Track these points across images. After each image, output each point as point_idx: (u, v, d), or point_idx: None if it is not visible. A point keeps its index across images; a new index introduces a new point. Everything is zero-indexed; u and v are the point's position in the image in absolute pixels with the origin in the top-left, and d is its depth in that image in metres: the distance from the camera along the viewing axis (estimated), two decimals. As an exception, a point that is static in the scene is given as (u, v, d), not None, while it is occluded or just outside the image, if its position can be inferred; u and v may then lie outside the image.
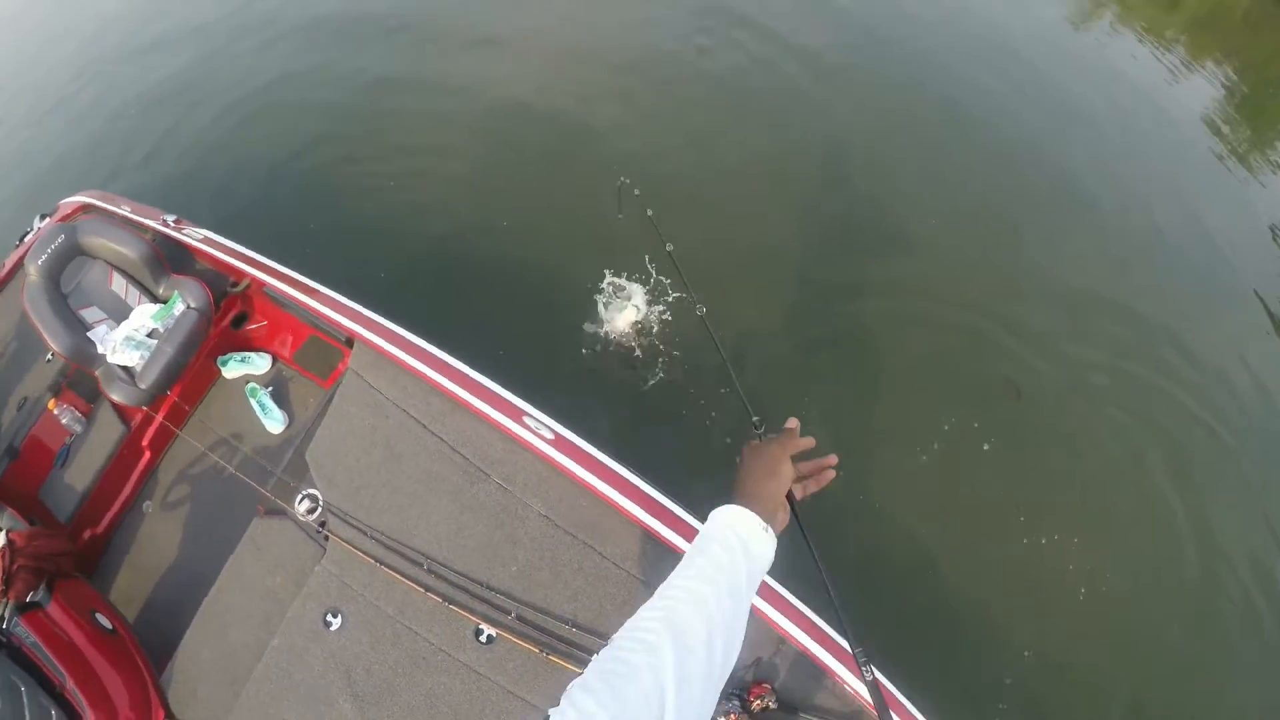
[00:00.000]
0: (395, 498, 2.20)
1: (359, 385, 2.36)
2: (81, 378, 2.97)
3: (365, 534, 2.17)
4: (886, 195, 4.23)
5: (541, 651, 1.90)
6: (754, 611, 1.81)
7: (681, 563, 0.88)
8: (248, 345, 3.05)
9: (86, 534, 2.84)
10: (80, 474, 2.85)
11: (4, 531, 2.59)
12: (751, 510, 0.94)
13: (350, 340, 2.52)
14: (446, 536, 2.12)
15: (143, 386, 2.69)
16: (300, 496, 2.37)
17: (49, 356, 3.08)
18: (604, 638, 1.90)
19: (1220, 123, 5.57)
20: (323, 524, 2.27)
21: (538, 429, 2.18)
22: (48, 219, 3.67)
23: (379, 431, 2.28)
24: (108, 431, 2.89)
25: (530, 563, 2.05)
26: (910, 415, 3.42)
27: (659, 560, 1.98)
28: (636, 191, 2.08)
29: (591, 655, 1.86)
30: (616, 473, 2.10)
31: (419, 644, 2.04)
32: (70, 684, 2.16)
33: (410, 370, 2.30)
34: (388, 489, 2.22)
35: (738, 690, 1.80)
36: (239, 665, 2.22)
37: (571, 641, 1.95)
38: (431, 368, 2.29)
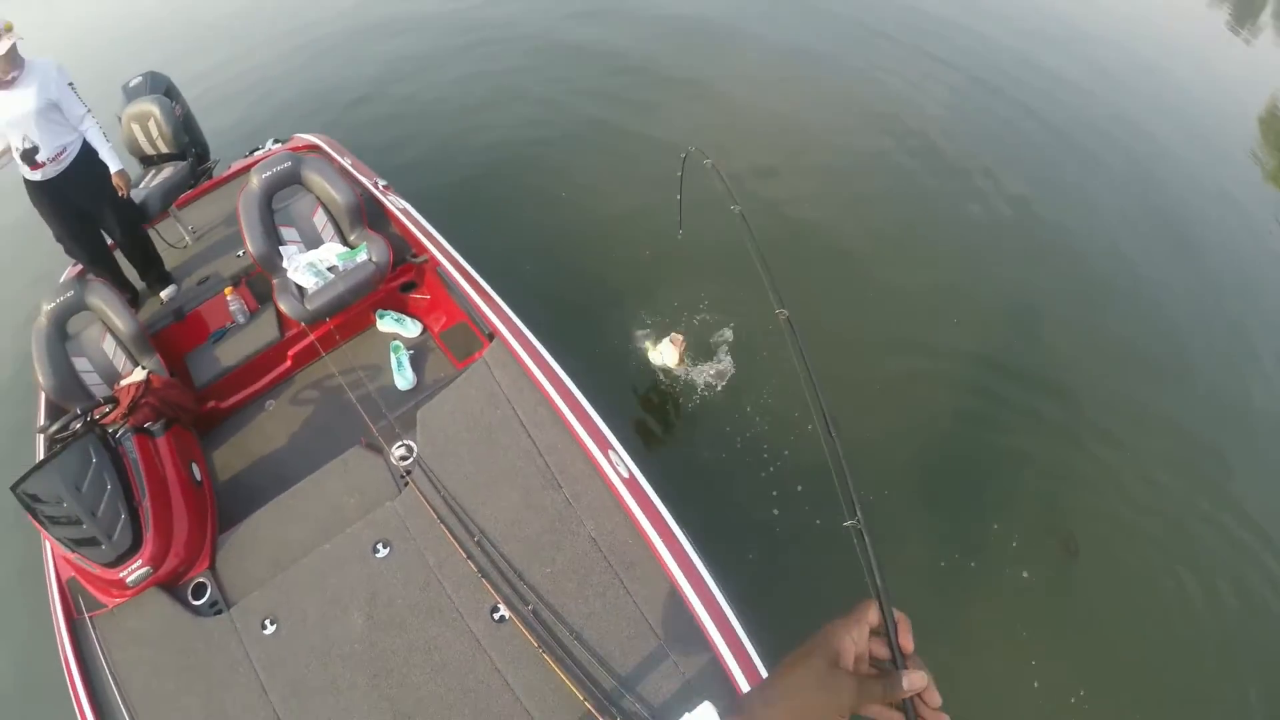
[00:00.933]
0: (476, 474, 2.48)
1: (485, 375, 2.70)
2: (260, 280, 3.48)
3: (439, 492, 2.45)
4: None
5: (539, 647, 2.08)
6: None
7: None
8: (405, 309, 3.47)
9: (211, 404, 3.27)
10: (226, 355, 3.31)
11: (146, 370, 3.07)
12: None
13: (492, 335, 2.88)
14: (503, 521, 2.38)
15: (308, 307, 3.13)
16: (399, 444, 2.68)
17: (240, 253, 3.63)
18: (599, 661, 2.08)
19: None
20: (408, 472, 2.57)
21: (617, 464, 2.43)
22: (279, 144, 4.34)
23: (485, 417, 2.60)
24: (263, 331, 3.36)
25: (564, 571, 2.26)
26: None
27: (674, 618, 2.15)
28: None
29: (580, 672, 2.05)
30: (670, 529, 2.31)
31: (441, 598, 2.27)
32: (146, 504, 2.48)
33: (531, 378, 2.63)
34: (472, 464, 2.51)
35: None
36: (286, 553, 2.49)
37: (569, 651, 2.11)
38: (549, 381, 2.61)
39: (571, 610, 2.20)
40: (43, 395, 3.16)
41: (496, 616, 2.21)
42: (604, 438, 2.51)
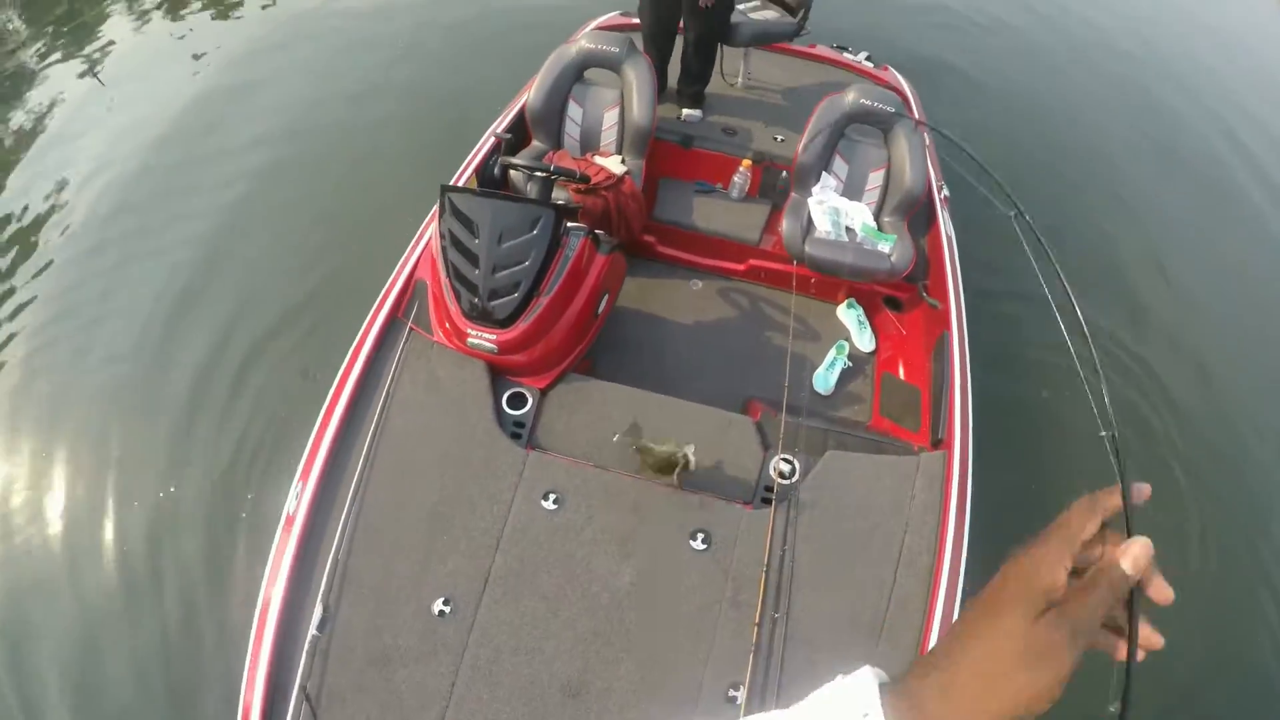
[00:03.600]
0: (824, 555, 2.16)
1: (906, 475, 2.27)
2: (775, 175, 3.28)
3: (784, 542, 2.15)
4: None
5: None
6: None
7: None
8: (873, 318, 3.17)
9: (651, 238, 3.20)
10: (699, 213, 3.22)
11: (626, 168, 2.98)
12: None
13: (941, 441, 2.42)
14: (805, 622, 2.09)
15: (806, 248, 2.91)
16: (784, 456, 2.30)
17: (780, 138, 3.41)
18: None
19: None
20: (771, 490, 2.24)
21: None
22: (869, 63, 4.00)
23: (875, 515, 2.23)
24: (743, 220, 3.19)
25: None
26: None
27: None
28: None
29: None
30: None
31: (706, 630, 2.05)
32: (543, 300, 2.30)
33: (943, 518, 2.22)
34: (830, 543, 2.18)
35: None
36: (613, 454, 2.26)
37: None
38: (954, 529, 2.20)
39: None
40: (516, 107, 3.19)
41: (731, 695, 1.96)
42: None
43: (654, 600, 2.05)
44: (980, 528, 2.23)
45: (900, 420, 2.72)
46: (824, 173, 3.06)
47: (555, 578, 2.05)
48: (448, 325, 2.35)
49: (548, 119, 3.07)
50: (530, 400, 2.33)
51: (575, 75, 3.09)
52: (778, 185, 3.23)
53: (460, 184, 2.78)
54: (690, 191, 3.28)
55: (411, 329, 2.36)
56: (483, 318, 2.27)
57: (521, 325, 2.28)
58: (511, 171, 2.80)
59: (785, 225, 2.96)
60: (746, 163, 3.24)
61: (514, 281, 2.27)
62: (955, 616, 1.92)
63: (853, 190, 3.08)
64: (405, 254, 2.60)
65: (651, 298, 3.14)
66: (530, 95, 3.04)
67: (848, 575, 2.13)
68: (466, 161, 2.96)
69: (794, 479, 2.25)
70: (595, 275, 2.52)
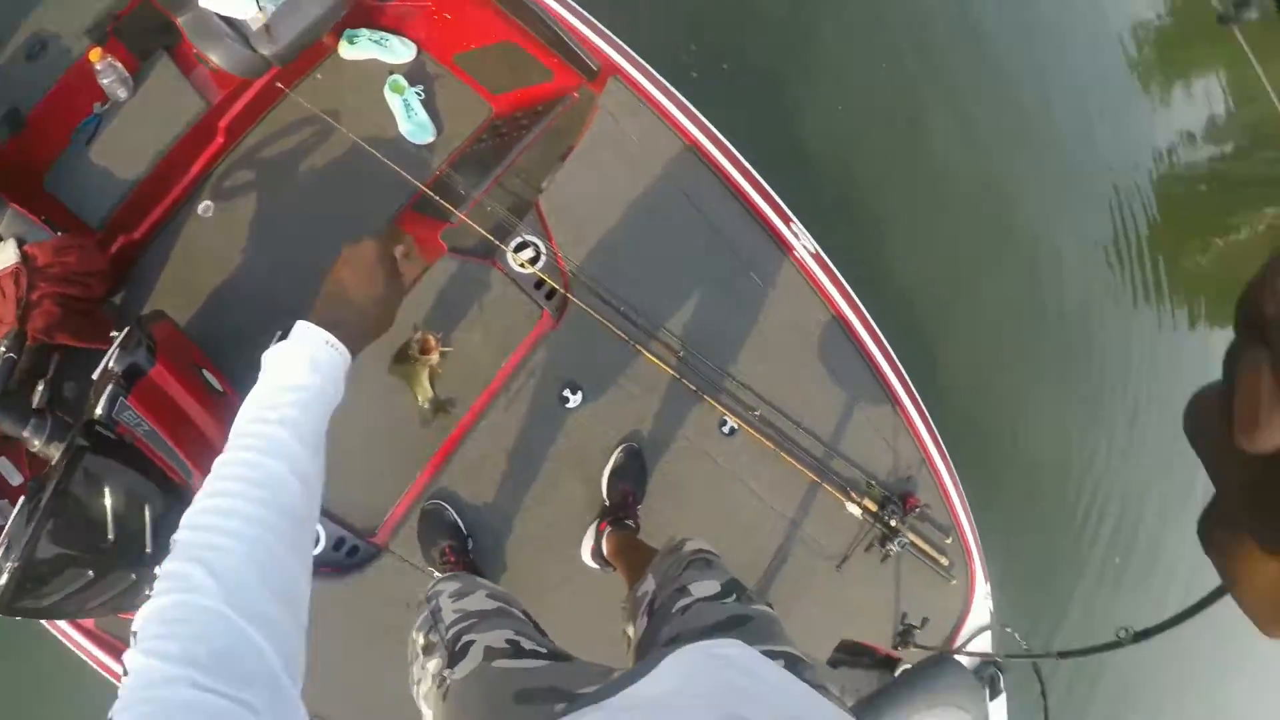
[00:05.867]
0: (645, 271, 1.96)
1: (610, 129, 1.99)
2: (136, 22, 2.17)
3: (606, 302, 1.91)
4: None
5: (776, 449, 1.93)
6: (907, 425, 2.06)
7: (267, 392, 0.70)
8: (384, 24, 2.37)
9: (120, 241, 2.13)
10: (118, 160, 2.11)
11: (14, 243, 1.84)
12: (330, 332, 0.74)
13: (598, 69, 2.06)
14: (699, 324, 1.98)
15: (264, 50, 2.01)
16: (513, 240, 1.95)
17: None
18: (829, 446, 2.02)
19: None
20: (540, 283, 1.97)
21: (803, 238, 2.08)
22: None
23: (629, 189, 1.98)
24: (169, 102, 2.14)
25: (776, 366, 2.03)
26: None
27: (877, 400, 2.09)
28: None
29: (814, 460, 1.98)
30: (863, 311, 2.12)
31: (665, 430, 1.96)
32: (196, 481, 1.50)
33: (680, 131, 2.01)
34: (635, 258, 1.97)
35: (896, 497, 1.99)
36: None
37: (798, 443, 1.99)
38: (704, 135, 2.02)
39: (793, 403, 2.00)
40: None
41: (726, 430, 1.95)
42: (780, 208, 2.09)
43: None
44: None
45: (519, 83, 2.26)
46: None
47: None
48: None
49: None
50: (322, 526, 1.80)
51: None
52: None
53: None
54: (84, 151, 2.08)
55: None
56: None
57: None
58: None
59: (217, 57, 1.99)
60: (94, 52, 2.01)
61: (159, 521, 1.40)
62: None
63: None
64: None
65: (198, 274, 2.17)
66: None
67: (674, 255, 2.01)
68: None
69: (543, 254, 1.94)
70: (179, 388, 1.65)
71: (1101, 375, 3.29)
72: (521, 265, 1.93)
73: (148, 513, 1.36)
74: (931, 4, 3.41)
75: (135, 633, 0.52)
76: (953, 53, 3.34)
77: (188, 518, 0.59)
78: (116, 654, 1.67)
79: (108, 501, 1.27)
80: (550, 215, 1.95)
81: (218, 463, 0.63)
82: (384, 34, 2.35)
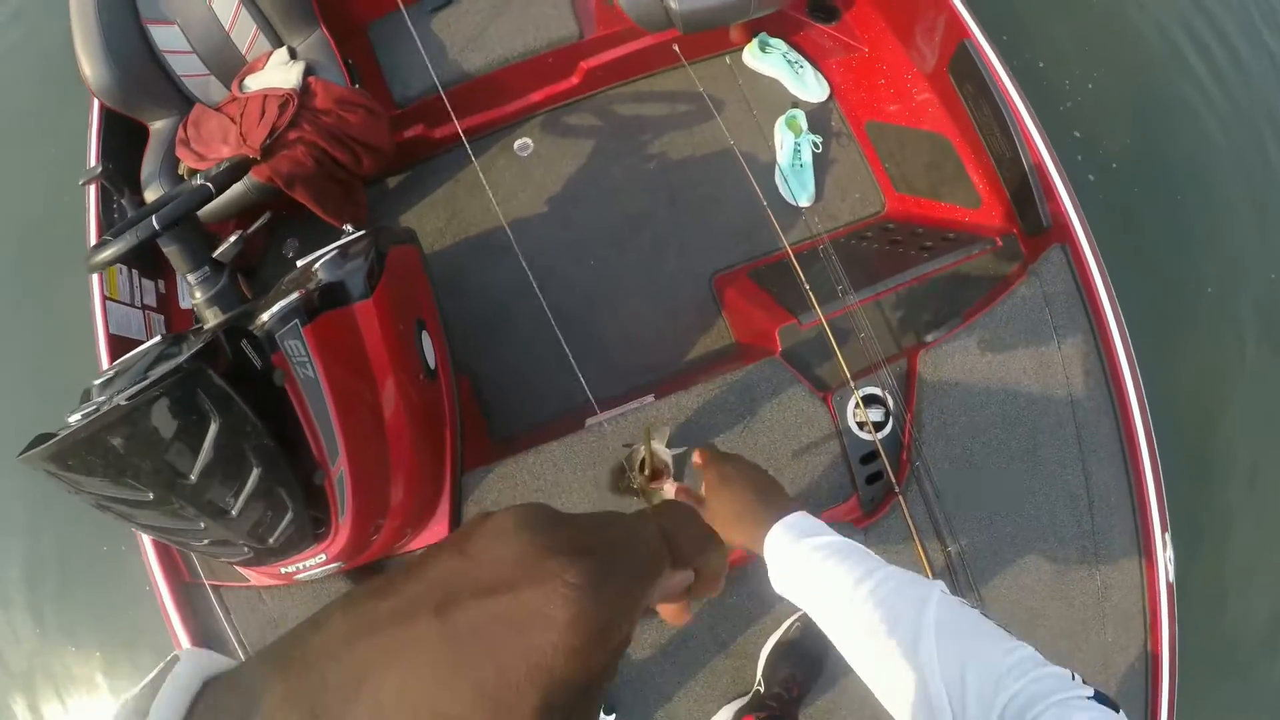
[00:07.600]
0: (994, 508, 1.42)
1: (1036, 311, 1.44)
2: None
3: (938, 536, 1.38)
4: None
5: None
6: None
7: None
8: (803, 50, 1.98)
9: (415, 130, 1.91)
10: (460, 45, 1.86)
11: (301, 68, 1.63)
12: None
13: (1044, 229, 1.53)
14: (1000, 583, 1.41)
15: (676, 5, 1.67)
16: (870, 392, 1.45)
17: None
18: None
19: None
20: (872, 457, 1.43)
21: (1167, 559, 1.44)
22: None
23: (1023, 398, 1.44)
24: (544, 9, 1.88)
25: None
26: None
27: None
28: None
29: None
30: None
31: None
32: (341, 466, 1.14)
33: (1103, 335, 1.45)
34: (994, 489, 1.42)
35: None
36: None
37: None
38: (1125, 357, 1.45)
39: None
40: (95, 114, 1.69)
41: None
42: (1164, 507, 1.44)
43: None
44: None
45: (937, 195, 1.74)
46: None
47: None
48: (259, 572, 1.36)
49: (139, 81, 1.65)
50: None
51: None
52: None
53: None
54: (426, 19, 1.91)
55: (213, 586, 1.38)
56: (282, 552, 1.16)
57: (345, 519, 1.17)
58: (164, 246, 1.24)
59: None
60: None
61: (266, 500, 1.05)
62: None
63: None
64: None
65: (472, 207, 1.93)
66: (86, 68, 1.60)
67: (1014, 482, 1.40)
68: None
69: (889, 421, 1.42)
70: (380, 332, 1.21)
71: None
72: (860, 423, 1.42)
73: (253, 477, 1.00)
74: None
75: None
76: None
77: None
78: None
79: (209, 440, 0.95)
80: (923, 380, 1.42)
81: None
82: (801, 59, 1.95)
